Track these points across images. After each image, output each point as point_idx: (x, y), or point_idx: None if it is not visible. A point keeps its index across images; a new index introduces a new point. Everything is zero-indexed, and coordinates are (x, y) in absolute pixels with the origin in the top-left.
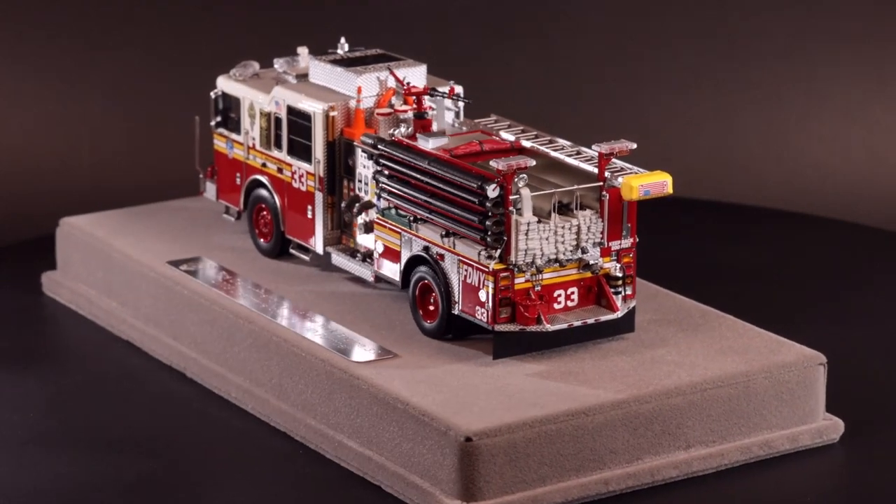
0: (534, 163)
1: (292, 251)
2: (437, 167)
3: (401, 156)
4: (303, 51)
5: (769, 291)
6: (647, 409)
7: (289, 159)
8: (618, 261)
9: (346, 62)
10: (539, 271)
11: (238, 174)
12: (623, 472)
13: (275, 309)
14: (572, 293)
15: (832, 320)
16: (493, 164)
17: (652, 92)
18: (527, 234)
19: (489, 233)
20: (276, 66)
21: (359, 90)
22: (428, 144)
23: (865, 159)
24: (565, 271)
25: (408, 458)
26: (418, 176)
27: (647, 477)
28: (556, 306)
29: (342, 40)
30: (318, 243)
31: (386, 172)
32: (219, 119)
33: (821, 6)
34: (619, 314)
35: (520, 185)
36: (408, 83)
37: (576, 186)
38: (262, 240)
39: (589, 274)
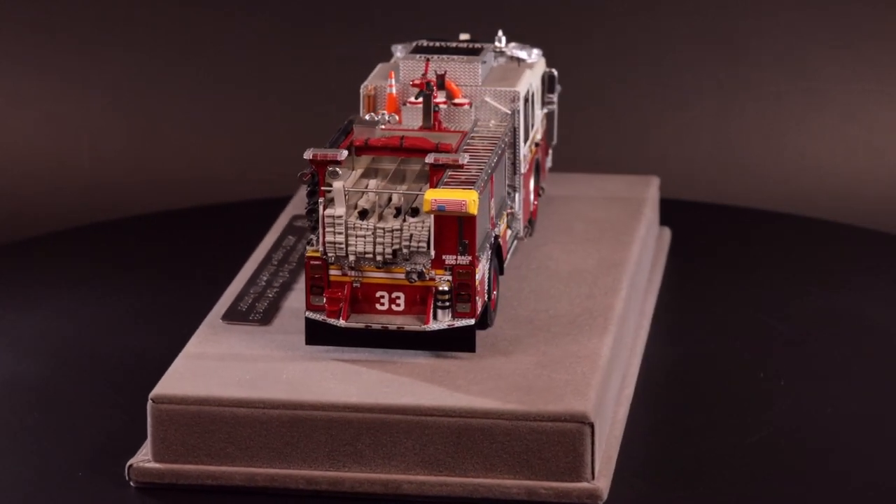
0: (344, 156)
1: None
2: None
3: (338, 137)
4: (464, 36)
5: (766, 294)
6: (354, 418)
7: None
8: (452, 276)
9: (421, 49)
10: (352, 268)
11: None
12: (321, 475)
13: (258, 269)
14: (397, 297)
15: (833, 317)
16: (305, 153)
17: (652, 92)
18: (334, 228)
19: (308, 220)
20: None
21: (390, 75)
22: (358, 129)
23: (866, 159)
24: (390, 274)
25: None
26: None
27: (348, 486)
28: (378, 307)
29: (500, 33)
30: None
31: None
32: None
33: (821, 6)
34: (427, 328)
35: (331, 179)
36: (421, 76)
37: (399, 191)
38: None
39: (408, 282)
